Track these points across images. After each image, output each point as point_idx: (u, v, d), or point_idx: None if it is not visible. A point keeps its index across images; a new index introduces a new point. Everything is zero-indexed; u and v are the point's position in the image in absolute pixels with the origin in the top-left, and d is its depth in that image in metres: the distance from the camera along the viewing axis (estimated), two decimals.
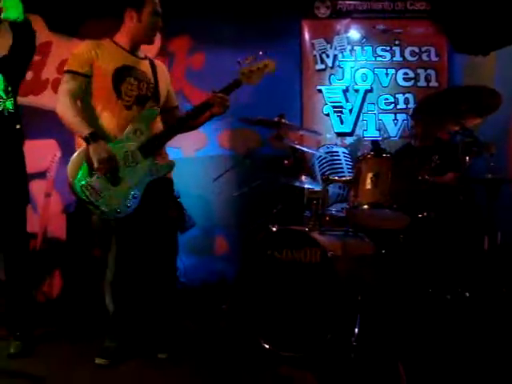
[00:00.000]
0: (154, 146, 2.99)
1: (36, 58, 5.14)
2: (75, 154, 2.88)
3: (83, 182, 2.82)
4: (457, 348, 2.88)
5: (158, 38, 5.09)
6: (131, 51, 3.07)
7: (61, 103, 2.92)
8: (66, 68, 2.98)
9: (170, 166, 3.09)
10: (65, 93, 2.92)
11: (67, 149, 5.12)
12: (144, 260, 3.12)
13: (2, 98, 3.14)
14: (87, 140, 2.83)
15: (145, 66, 3.11)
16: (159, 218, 3.08)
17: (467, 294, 3.14)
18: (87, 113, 2.98)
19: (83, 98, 3.00)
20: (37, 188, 4.83)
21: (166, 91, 3.19)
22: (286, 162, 3.86)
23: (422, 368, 2.76)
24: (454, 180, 3.65)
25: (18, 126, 3.23)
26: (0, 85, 3.12)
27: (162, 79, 3.17)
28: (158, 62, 3.23)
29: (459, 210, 3.41)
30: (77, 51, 3.01)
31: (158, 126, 3.12)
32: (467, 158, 3.29)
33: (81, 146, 2.91)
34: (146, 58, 3.17)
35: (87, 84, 2.96)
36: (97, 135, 2.85)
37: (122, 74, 2.99)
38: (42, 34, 5.19)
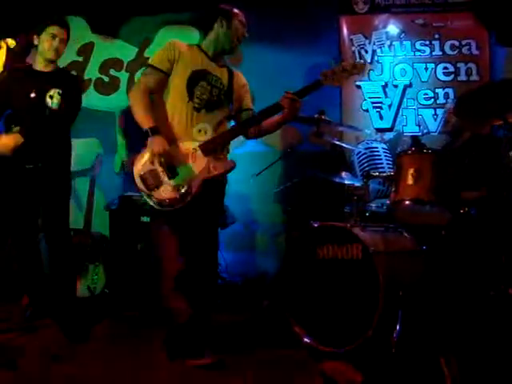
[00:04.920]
0: (214, 146, 3.05)
1: (79, 58, 5.32)
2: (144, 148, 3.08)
3: (141, 173, 3.02)
4: (500, 345, 2.85)
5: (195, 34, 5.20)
6: (212, 58, 3.18)
7: (134, 92, 3.09)
8: (148, 62, 3.16)
9: (227, 166, 3.11)
10: (140, 83, 3.10)
11: (109, 147, 5.27)
12: (187, 256, 3.15)
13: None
14: (147, 133, 2.97)
15: (221, 73, 3.19)
16: (205, 218, 3.12)
17: (511, 292, 3.09)
18: (161, 108, 3.10)
19: (161, 94, 3.12)
20: (80, 185, 4.97)
21: (238, 97, 3.24)
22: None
23: (464, 364, 2.74)
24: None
25: None
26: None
27: (237, 87, 3.22)
28: (236, 72, 3.30)
29: (502, 205, 3.36)
30: (161, 49, 3.14)
31: (225, 129, 3.16)
32: (510, 153, 3.24)
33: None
34: (225, 66, 3.25)
35: (165, 81, 3.09)
36: (156, 130, 2.97)
37: (197, 77, 3.09)
38: (85, 35, 5.34)
